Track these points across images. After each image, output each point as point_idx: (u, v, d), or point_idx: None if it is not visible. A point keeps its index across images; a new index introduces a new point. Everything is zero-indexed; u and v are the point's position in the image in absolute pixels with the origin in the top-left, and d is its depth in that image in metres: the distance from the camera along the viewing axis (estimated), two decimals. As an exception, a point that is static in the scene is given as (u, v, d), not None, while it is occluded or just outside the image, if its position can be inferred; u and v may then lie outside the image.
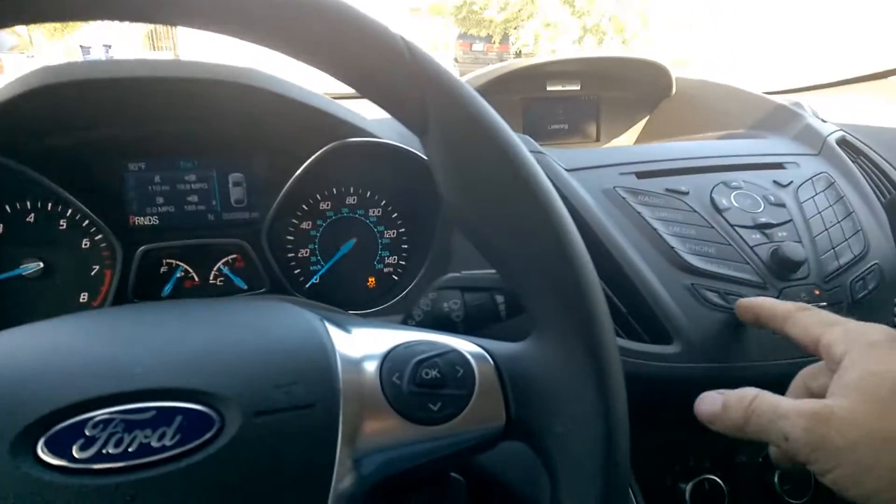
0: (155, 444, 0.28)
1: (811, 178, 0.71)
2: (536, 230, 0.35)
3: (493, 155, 0.35)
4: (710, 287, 0.59)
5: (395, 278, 0.77)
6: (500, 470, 0.54)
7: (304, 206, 0.74)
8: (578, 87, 1.15)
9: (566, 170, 0.69)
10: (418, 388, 0.34)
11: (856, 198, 0.71)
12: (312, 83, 0.68)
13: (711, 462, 0.65)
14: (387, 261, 0.77)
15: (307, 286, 0.75)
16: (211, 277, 0.72)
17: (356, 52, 0.33)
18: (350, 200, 0.75)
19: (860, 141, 0.80)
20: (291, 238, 0.74)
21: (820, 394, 0.40)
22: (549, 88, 1.13)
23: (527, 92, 1.13)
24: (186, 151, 0.70)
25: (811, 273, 0.62)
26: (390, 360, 0.35)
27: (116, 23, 0.32)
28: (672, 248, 0.61)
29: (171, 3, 0.31)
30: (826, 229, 0.66)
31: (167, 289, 0.70)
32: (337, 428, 0.32)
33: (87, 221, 0.67)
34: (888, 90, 0.99)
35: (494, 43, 13.90)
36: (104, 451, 0.28)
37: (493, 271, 0.50)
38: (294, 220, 0.74)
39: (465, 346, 0.37)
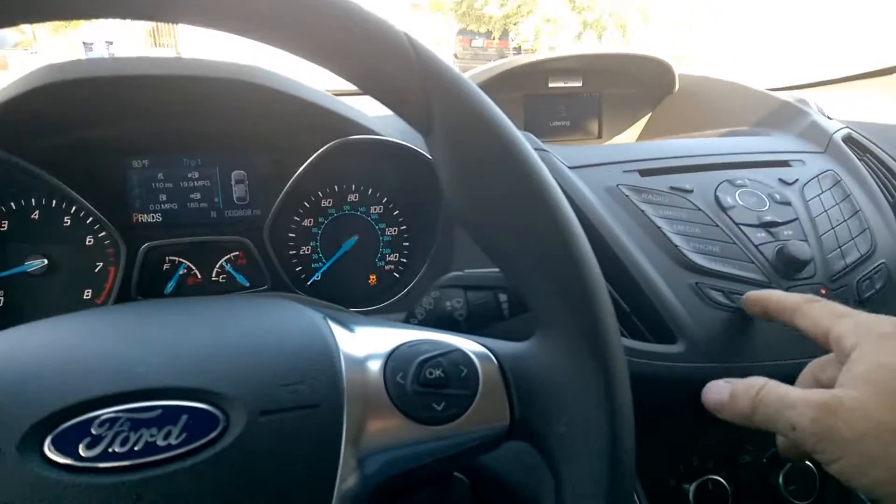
0: (161, 442, 0.28)
1: (817, 176, 0.71)
2: (541, 229, 0.35)
3: (497, 154, 0.34)
4: (715, 286, 0.59)
5: (397, 276, 0.77)
6: (504, 470, 0.54)
7: (305, 204, 0.74)
8: (580, 84, 1.15)
9: (569, 167, 0.68)
10: (422, 387, 0.34)
11: (862, 196, 0.70)
12: (314, 80, 0.68)
13: (715, 462, 0.65)
14: (388, 258, 0.77)
15: (309, 283, 0.75)
16: (213, 275, 0.72)
17: (360, 50, 0.33)
18: (352, 198, 0.75)
19: (866, 138, 0.79)
20: (293, 235, 0.74)
21: (829, 386, 0.40)
22: (550, 85, 1.13)
23: (528, 89, 1.12)
24: (189, 149, 0.71)
25: (817, 272, 0.62)
26: (394, 360, 0.35)
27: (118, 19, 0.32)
28: (676, 246, 0.61)
29: (175, 2, 0.30)
30: (832, 228, 0.65)
31: (170, 286, 0.71)
32: (341, 427, 0.32)
33: (90, 218, 0.67)
34: (894, 87, 0.99)
35: (494, 39, 13.88)
36: (110, 450, 0.28)
37: (496, 270, 0.50)
38: (296, 218, 0.74)
39: (469, 345, 0.37)
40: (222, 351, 0.32)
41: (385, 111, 0.37)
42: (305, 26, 0.32)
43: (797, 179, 0.70)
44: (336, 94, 0.71)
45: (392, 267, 0.77)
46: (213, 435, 0.29)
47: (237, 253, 0.72)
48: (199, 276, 0.72)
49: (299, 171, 0.69)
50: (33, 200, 0.66)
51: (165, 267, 0.70)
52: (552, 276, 0.35)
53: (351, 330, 0.37)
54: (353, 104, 0.71)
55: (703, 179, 0.68)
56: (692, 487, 0.63)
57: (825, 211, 0.67)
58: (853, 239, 0.65)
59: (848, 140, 0.78)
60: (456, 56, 13.64)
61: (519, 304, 0.50)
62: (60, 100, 0.62)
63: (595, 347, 0.34)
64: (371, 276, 0.77)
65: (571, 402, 0.34)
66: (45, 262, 0.66)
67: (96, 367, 0.30)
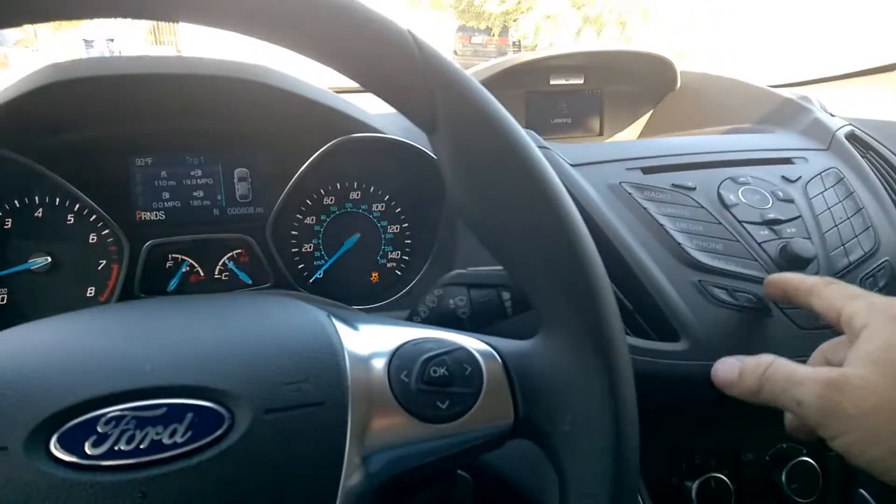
0: (166, 440, 0.29)
1: (820, 174, 0.71)
2: (545, 227, 0.35)
3: (502, 152, 0.34)
4: (718, 284, 0.59)
5: (399, 273, 0.77)
6: (507, 468, 0.55)
7: (308, 202, 0.74)
8: (582, 81, 1.14)
9: (571, 165, 0.68)
10: (426, 385, 0.34)
11: (865, 193, 0.70)
12: (316, 77, 0.68)
13: (718, 460, 0.65)
14: (390, 256, 0.77)
15: (311, 281, 0.75)
16: (216, 272, 0.72)
17: (364, 48, 0.33)
18: (354, 195, 0.75)
19: (869, 135, 0.79)
20: (295, 233, 0.74)
21: (838, 366, 0.40)
22: (552, 82, 1.13)
23: (530, 86, 1.12)
24: (192, 147, 0.71)
25: (820, 270, 0.62)
26: (398, 358, 0.35)
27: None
28: (679, 244, 0.61)
29: (177, 1, 0.30)
30: (836, 225, 0.65)
31: (173, 283, 0.71)
32: (346, 425, 0.32)
33: (94, 216, 0.68)
34: (896, 84, 0.98)
35: (494, 36, 13.87)
36: (116, 448, 0.28)
37: (499, 268, 0.50)
38: (298, 216, 0.74)
39: (473, 343, 0.37)
40: (227, 349, 0.32)
41: (387, 109, 0.37)
42: (308, 24, 0.32)
43: (800, 177, 0.70)
44: (338, 92, 0.71)
45: (394, 265, 0.77)
46: (218, 433, 0.29)
47: (240, 250, 0.72)
48: (202, 274, 0.72)
49: (302, 168, 0.69)
50: (37, 198, 0.66)
51: (168, 265, 0.71)
52: (556, 273, 0.35)
53: (355, 328, 0.37)
54: (355, 102, 0.71)
55: (706, 177, 0.68)
56: (695, 485, 0.63)
57: (828, 208, 0.67)
58: (856, 237, 0.65)
59: (851, 137, 0.78)
60: (455, 53, 13.63)
61: (522, 302, 0.50)
62: (64, 99, 0.62)
63: (599, 345, 0.34)
64: (373, 274, 0.77)
65: (576, 400, 0.34)
66: (49, 259, 0.66)
67: (102, 366, 0.30)
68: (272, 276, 0.72)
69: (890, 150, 0.77)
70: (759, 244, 0.62)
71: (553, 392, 0.35)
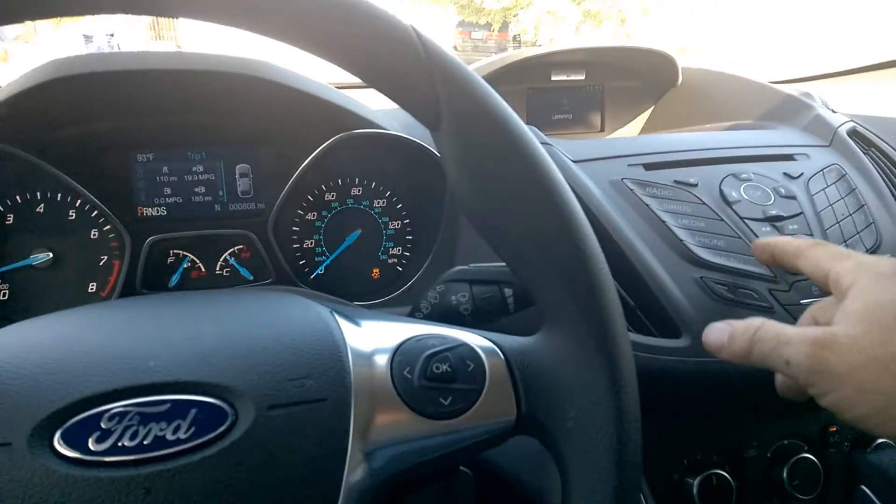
0: (170, 436, 0.29)
1: (822, 170, 0.71)
2: (549, 224, 0.35)
3: (506, 149, 0.34)
4: (720, 280, 0.59)
5: (400, 269, 0.77)
6: (508, 464, 0.55)
7: (309, 197, 0.74)
8: (583, 77, 1.14)
9: (573, 161, 0.68)
10: (429, 382, 0.35)
11: (867, 190, 0.70)
12: (316, 72, 0.68)
13: (719, 456, 0.65)
14: (391, 252, 0.77)
15: (312, 277, 0.75)
16: (217, 268, 0.72)
17: (368, 45, 0.33)
18: (355, 191, 0.75)
19: (871, 132, 0.79)
20: (297, 229, 0.74)
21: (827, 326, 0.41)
22: (553, 78, 1.13)
23: (531, 82, 1.12)
24: (194, 142, 0.71)
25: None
26: (401, 354, 0.35)
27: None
28: (681, 240, 0.61)
29: None
30: (838, 222, 0.65)
31: (174, 279, 0.71)
32: (349, 422, 0.32)
33: (95, 212, 0.68)
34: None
35: (493, 31, 13.87)
36: (120, 444, 0.28)
37: (501, 264, 0.50)
38: (300, 211, 0.74)
39: (476, 340, 0.37)
40: (231, 345, 0.32)
41: (388, 104, 0.37)
42: (312, 21, 0.32)
43: (802, 173, 0.70)
44: (339, 87, 0.71)
45: (395, 261, 0.77)
46: (221, 429, 0.29)
47: (241, 246, 0.72)
48: (203, 270, 0.72)
49: (303, 164, 0.69)
50: (38, 194, 0.66)
51: (170, 260, 0.71)
52: (559, 270, 0.35)
53: (357, 324, 0.37)
54: (356, 97, 0.71)
55: (708, 173, 0.68)
56: (696, 482, 0.63)
57: (830, 205, 0.67)
58: (858, 233, 0.65)
59: (853, 134, 0.78)
60: (456, 48, 13.62)
61: (524, 299, 0.50)
62: (66, 94, 0.62)
63: (602, 342, 0.34)
64: (374, 270, 0.77)
65: (578, 396, 0.34)
66: (50, 255, 0.67)
67: (106, 362, 0.30)
68: (273, 272, 0.72)
69: (892, 147, 0.77)
70: (760, 241, 0.62)
71: (556, 388, 0.35)
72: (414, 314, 0.52)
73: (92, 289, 0.69)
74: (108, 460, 0.28)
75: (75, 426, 0.28)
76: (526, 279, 0.37)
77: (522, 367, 0.36)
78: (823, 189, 0.68)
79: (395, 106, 0.36)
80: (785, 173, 0.70)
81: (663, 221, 0.62)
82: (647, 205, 0.64)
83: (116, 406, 0.29)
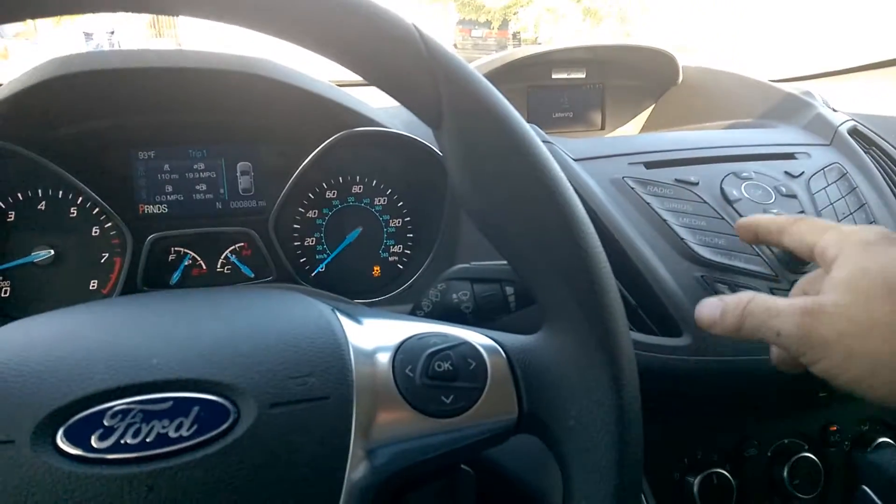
0: (172, 434, 0.29)
1: (823, 169, 0.71)
2: (550, 223, 0.35)
3: (508, 147, 0.34)
4: (721, 279, 0.59)
5: (400, 267, 0.77)
6: (510, 462, 0.55)
7: (310, 195, 0.74)
8: (584, 75, 1.14)
9: (574, 160, 0.68)
10: (431, 380, 0.35)
11: (868, 189, 0.70)
12: (317, 69, 0.68)
13: (720, 455, 0.65)
14: (392, 250, 0.77)
15: (313, 275, 0.75)
16: (218, 265, 0.72)
17: (370, 43, 0.33)
18: (356, 189, 0.75)
19: (871, 131, 0.79)
20: (298, 227, 0.74)
21: None
22: (554, 76, 1.13)
23: (532, 80, 1.12)
24: (195, 140, 0.71)
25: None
26: (403, 352, 0.35)
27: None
28: (682, 239, 0.61)
29: None
30: (838, 221, 0.65)
31: (175, 276, 0.71)
32: (351, 420, 0.32)
33: (97, 209, 0.68)
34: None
35: (493, 29, 13.87)
36: (122, 441, 0.28)
37: (503, 262, 0.50)
38: (301, 209, 0.74)
39: (477, 338, 0.37)
40: (233, 343, 0.33)
41: (390, 102, 0.37)
42: (314, 19, 0.32)
43: (803, 172, 0.70)
44: (339, 85, 0.71)
45: (396, 259, 0.77)
46: (224, 427, 0.29)
47: (242, 244, 0.73)
48: (204, 267, 0.72)
49: (304, 162, 0.69)
50: (40, 191, 0.66)
51: (171, 258, 0.71)
52: (561, 269, 0.35)
53: (359, 322, 0.37)
54: (357, 95, 0.71)
55: (709, 172, 0.68)
56: (697, 480, 0.63)
57: (831, 204, 0.67)
58: (859, 232, 0.65)
59: (853, 133, 0.78)
60: (456, 46, 13.61)
61: (525, 297, 0.50)
62: (67, 92, 0.62)
63: (603, 340, 0.34)
64: (375, 268, 0.77)
65: (580, 395, 0.35)
66: (52, 252, 0.67)
67: (109, 359, 0.30)
68: (274, 269, 0.72)
69: (892, 146, 0.77)
70: (762, 240, 0.62)
71: (557, 387, 0.35)
72: (415, 312, 0.52)
73: (93, 286, 0.69)
74: (110, 458, 0.28)
75: (78, 423, 0.28)
76: (527, 278, 0.37)
77: (524, 365, 0.36)
78: (824, 188, 0.68)
79: (396, 104, 0.36)
80: (786, 172, 0.70)
81: (664, 220, 0.62)
82: (647, 203, 0.64)
83: (119, 403, 0.29)
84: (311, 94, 0.66)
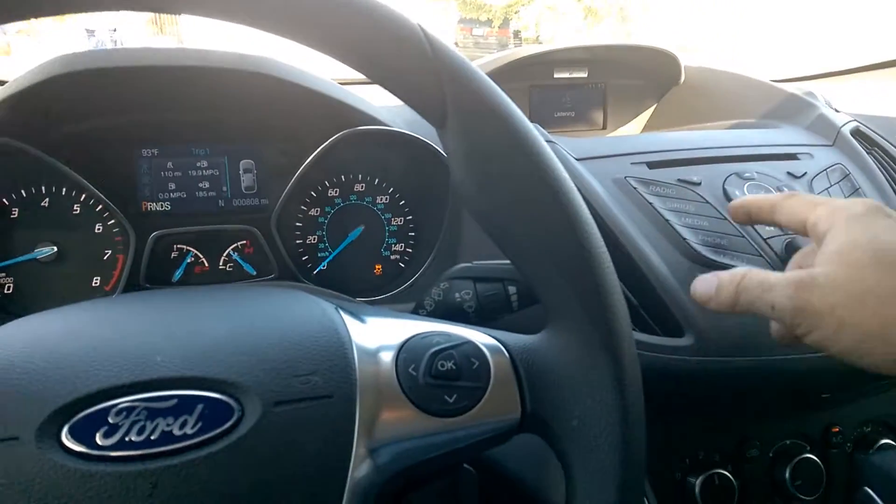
0: (177, 431, 0.29)
1: (825, 170, 0.70)
2: (554, 223, 0.35)
3: (512, 147, 0.35)
4: (723, 279, 0.58)
5: (402, 266, 0.77)
6: (512, 462, 0.55)
7: (312, 193, 0.74)
8: (586, 75, 1.14)
9: (576, 159, 0.68)
10: (434, 379, 0.35)
11: (871, 190, 0.70)
12: (319, 68, 0.68)
13: (722, 456, 0.65)
14: (394, 248, 0.77)
15: (315, 273, 0.75)
16: (220, 263, 0.72)
17: (375, 43, 0.33)
18: (358, 187, 0.75)
19: (874, 131, 0.79)
20: (300, 225, 0.74)
21: None
22: (556, 76, 1.13)
23: (534, 79, 1.12)
24: (199, 138, 0.71)
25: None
26: (406, 351, 0.35)
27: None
28: (684, 239, 0.60)
29: None
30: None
31: (178, 274, 0.71)
32: (354, 418, 0.32)
33: (100, 206, 0.68)
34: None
35: (495, 27, 13.86)
36: (127, 439, 0.28)
37: (505, 262, 0.50)
38: (303, 207, 0.74)
39: (481, 337, 0.37)
40: (237, 341, 0.33)
41: (392, 101, 0.37)
42: (319, 19, 0.32)
43: (805, 173, 0.70)
44: (342, 83, 0.71)
45: (397, 257, 0.77)
46: (228, 424, 0.30)
47: (244, 241, 0.73)
48: (207, 265, 0.72)
49: (307, 161, 0.69)
50: (43, 188, 0.67)
51: (173, 255, 0.71)
52: (564, 268, 0.35)
53: (362, 321, 0.37)
54: (359, 93, 0.71)
55: (711, 172, 0.68)
56: (698, 481, 0.63)
57: (833, 205, 0.66)
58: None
59: (856, 133, 0.78)
60: (457, 44, 13.61)
61: (528, 297, 0.50)
62: (71, 91, 0.62)
63: (606, 340, 0.34)
64: (376, 266, 0.77)
65: (583, 395, 0.35)
66: (55, 249, 0.67)
67: (113, 356, 0.30)
68: (276, 267, 0.72)
69: (895, 147, 0.77)
70: (764, 240, 0.62)
71: (560, 387, 0.36)
72: (417, 311, 0.52)
73: (96, 283, 0.69)
74: (115, 455, 0.28)
75: (83, 421, 0.28)
76: (531, 277, 0.37)
77: (527, 365, 0.36)
78: (827, 189, 0.68)
79: (398, 102, 0.36)
80: (788, 173, 0.69)
81: (667, 220, 0.62)
82: (650, 203, 0.64)
83: (124, 401, 0.29)
84: (314, 93, 0.66)
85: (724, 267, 0.59)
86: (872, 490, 0.66)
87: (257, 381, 0.31)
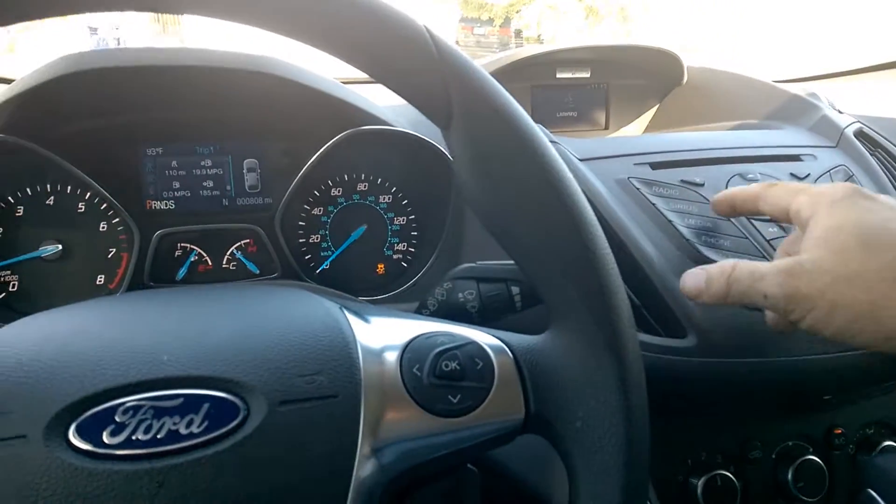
0: (183, 430, 0.29)
1: (829, 171, 0.70)
2: (558, 223, 0.35)
3: (517, 148, 0.35)
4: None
5: (405, 265, 0.77)
6: (515, 462, 0.55)
7: (316, 193, 0.74)
8: (588, 75, 1.14)
9: (579, 159, 0.68)
10: (438, 379, 0.35)
11: (874, 191, 0.70)
12: (322, 67, 0.68)
13: (724, 458, 0.65)
14: (396, 248, 0.77)
15: (318, 272, 0.75)
16: (224, 262, 0.73)
17: (381, 44, 0.33)
18: (361, 187, 0.75)
19: (877, 133, 0.79)
20: (303, 224, 0.74)
21: None
22: (558, 76, 1.12)
23: (536, 79, 1.12)
24: (203, 137, 0.71)
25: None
26: (410, 351, 0.36)
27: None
28: (687, 240, 0.60)
29: None
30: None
31: (181, 272, 0.71)
32: (359, 418, 0.32)
33: (105, 205, 0.68)
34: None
35: (496, 26, 13.85)
36: (133, 438, 0.28)
37: (509, 262, 0.50)
38: (306, 206, 0.74)
39: (484, 338, 0.37)
40: (243, 341, 0.33)
41: (395, 100, 0.37)
42: (325, 19, 0.32)
43: (809, 174, 0.70)
44: (345, 83, 0.71)
45: (400, 256, 0.77)
46: (233, 424, 0.30)
47: (248, 240, 0.73)
48: (210, 263, 0.72)
49: (311, 160, 0.69)
50: (48, 186, 0.67)
51: (177, 253, 0.71)
52: (568, 269, 0.35)
53: (367, 321, 0.37)
54: (363, 93, 0.71)
55: (715, 173, 0.68)
56: (700, 483, 0.63)
57: (836, 206, 0.66)
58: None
59: (859, 134, 0.78)
60: (458, 43, 13.59)
61: (531, 297, 0.50)
62: (77, 89, 0.62)
63: (610, 341, 0.34)
64: (379, 266, 0.77)
65: (586, 395, 0.35)
66: (60, 247, 0.67)
67: (120, 355, 0.31)
68: (279, 266, 0.72)
69: (899, 148, 0.77)
70: (767, 241, 0.62)
71: (564, 388, 0.36)
72: (421, 311, 0.52)
73: (100, 281, 0.69)
74: (122, 453, 0.28)
75: (90, 419, 0.28)
76: (535, 278, 0.38)
77: (531, 365, 0.36)
78: (830, 190, 0.68)
79: (402, 102, 0.36)
80: (791, 174, 0.69)
81: (670, 221, 0.62)
82: (653, 204, 0.64)
83: (131, 400, 0.29)
84: (318, 92, 0.66)
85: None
86: (875, 492, 0.66)
87: (263, 381, 0.31)
